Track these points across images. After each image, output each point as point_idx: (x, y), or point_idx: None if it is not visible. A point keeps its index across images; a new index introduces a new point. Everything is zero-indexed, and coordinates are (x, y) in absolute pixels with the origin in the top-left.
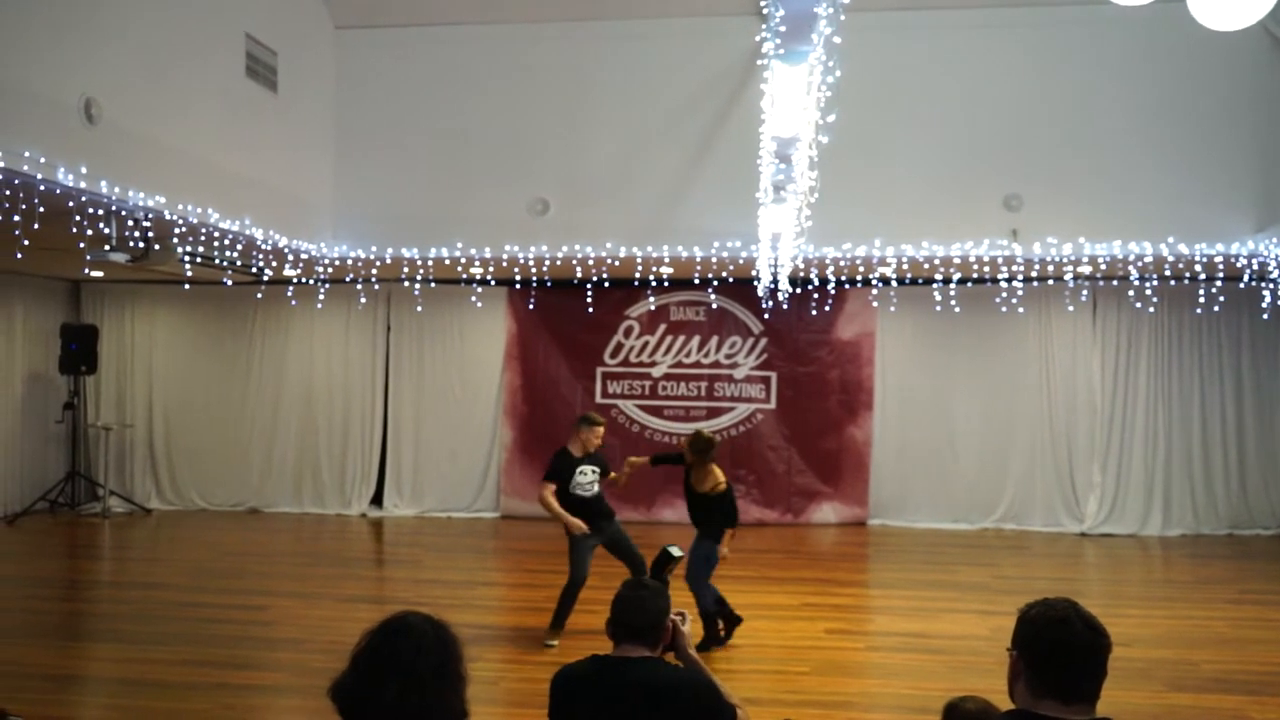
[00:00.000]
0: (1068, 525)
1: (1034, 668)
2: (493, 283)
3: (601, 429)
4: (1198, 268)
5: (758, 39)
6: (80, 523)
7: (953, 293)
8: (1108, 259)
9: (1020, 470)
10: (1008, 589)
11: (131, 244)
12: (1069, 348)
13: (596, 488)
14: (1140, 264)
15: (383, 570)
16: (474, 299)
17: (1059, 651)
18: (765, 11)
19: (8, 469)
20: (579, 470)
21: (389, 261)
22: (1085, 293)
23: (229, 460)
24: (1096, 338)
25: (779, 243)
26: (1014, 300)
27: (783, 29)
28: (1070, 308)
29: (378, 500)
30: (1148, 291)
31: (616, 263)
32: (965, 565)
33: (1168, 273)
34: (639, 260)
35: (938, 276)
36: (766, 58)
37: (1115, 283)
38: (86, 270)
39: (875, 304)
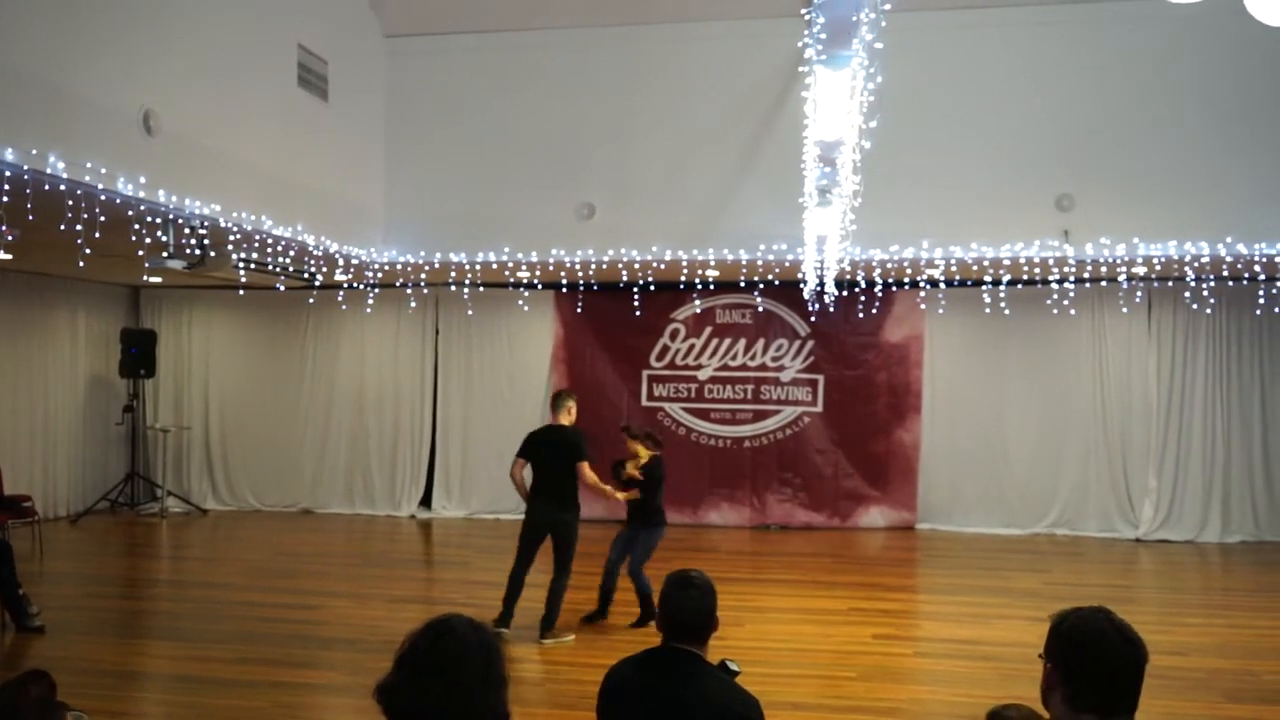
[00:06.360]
0: (1123, 531)
1: (1071, 684)
2: (540, 286)
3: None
4: (1257, 268)
5: (800, 44)
6: (139, 522)
7: (1003, 294)
8: (1163, 259)
9: (1073, 474)
10: (1060, 595)
11: (188, 251)
12: (1123, 349)
13: None
14: (1197, 264)
15: (432, 571)
16: (521, 303)
17: (1097, 669)
18: (806, 18)
19: (71, 470)
20: None
21: (437, 266)
22: (1140, 294)
23: (282, 462)
24: (1152, 339)
25: (825, 245)
26: (1066, 302)
27: (823, 36)
28: (1125, 309)
29: (427, 502)
30: (1205, 292)
31: (662, 266)
32: (1016, 571)
33: (1226, 273)
34: (685, 263)
35: (987, 278)
36: (809, 63)
37: (1171, 283)
38: (145, 276)
39: (923, 306)
